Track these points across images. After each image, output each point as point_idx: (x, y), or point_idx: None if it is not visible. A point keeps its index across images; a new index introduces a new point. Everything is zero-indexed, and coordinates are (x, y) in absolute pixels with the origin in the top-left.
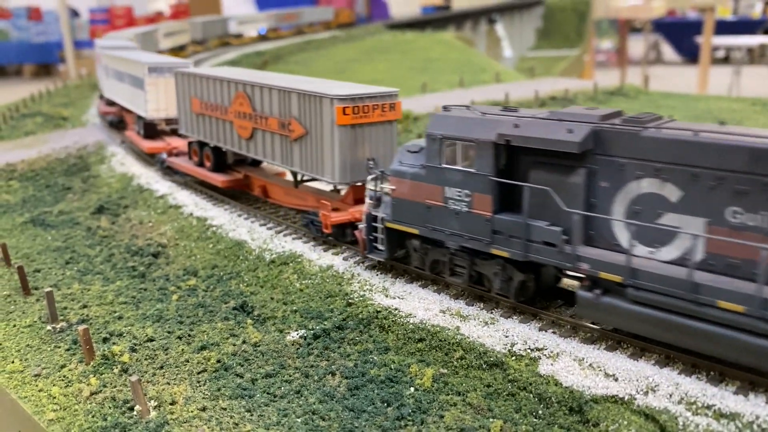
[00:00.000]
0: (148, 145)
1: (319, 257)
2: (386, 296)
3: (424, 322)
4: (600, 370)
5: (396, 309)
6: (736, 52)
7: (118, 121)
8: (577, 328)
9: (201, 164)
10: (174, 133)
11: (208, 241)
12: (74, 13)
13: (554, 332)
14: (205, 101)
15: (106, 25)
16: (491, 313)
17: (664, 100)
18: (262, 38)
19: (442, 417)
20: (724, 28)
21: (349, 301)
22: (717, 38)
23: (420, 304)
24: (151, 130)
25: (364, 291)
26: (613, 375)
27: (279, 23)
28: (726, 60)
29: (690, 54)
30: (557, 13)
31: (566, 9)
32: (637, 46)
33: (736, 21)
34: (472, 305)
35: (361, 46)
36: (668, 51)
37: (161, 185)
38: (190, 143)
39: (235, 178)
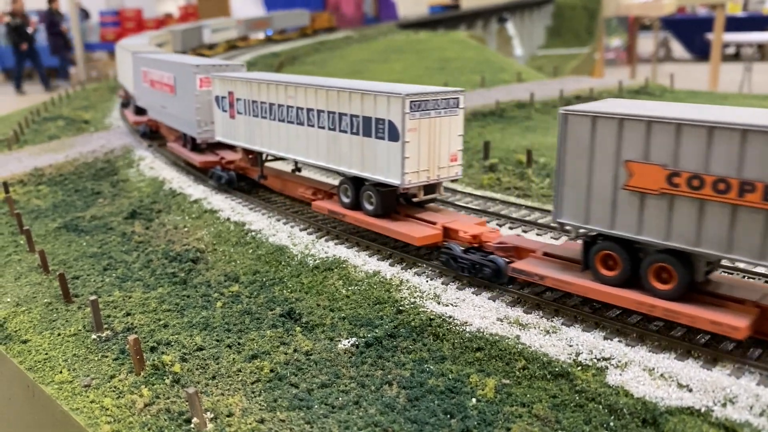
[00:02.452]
0: (418, 233)
1: (365, 263)
2: (438, 303)
3: (481, 330)
4: (672, 380)
5: (450, 317)
6: (746, 48)
7: (239, 177)
8: (645, 336)
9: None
10: (419, 205)
11: (247, 247)
12: (84, 15)
13: (620, 341)
14: (707, 174)
15: (116, 28)
16: (552, 321)
17: (691, 98)
18: (232, 47)
19: (509, 429)
20: (734, 24)
21: (400, 308)
22: (727, 35)
23: (475, 312)
24: (392, 203)
25: (415, 298)
26: (687, 385)
27: (249, 31)
28: (736, 57)
29: (700, 51)
30: (567, 11)
31: (576, 7)
32: (646, 43)
33: (746, 17)
34: (531, 313)
35: (375, 46)
36: (678, 48)
37: (194, 189)
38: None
39: None
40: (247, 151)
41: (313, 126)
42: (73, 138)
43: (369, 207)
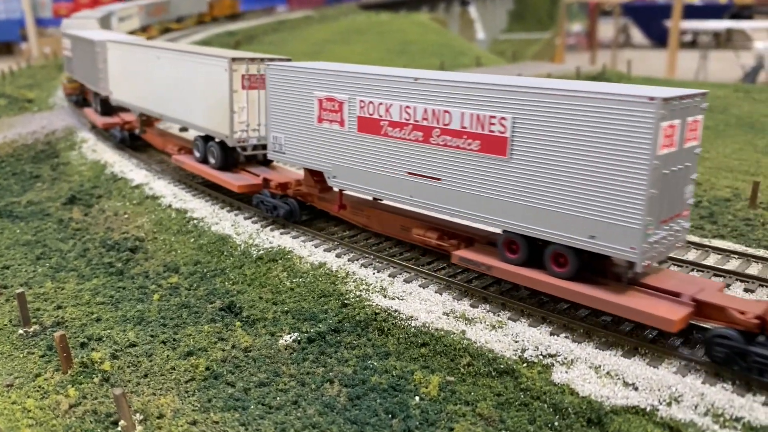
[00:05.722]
0: None
1: (311, 254)
2: (384, 296)
3: (427, 325)
4: (618, 379)
5: (396, 311)
6: (703, 36)
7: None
8: (591, 332)
9: None
10: None
11: (189, 235)
12: None
13: (567, 337)
14: None
15: (69, 3)
16: (498, 315)
17: (647, 85)
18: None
19: (451, 429)
20: (691, 12)
21: (345, 301)
22: (685, 22)
23: (421, 306)
24: None
25: (361, 291)
26: (633, 384)
27: (150, 18)
28: (693, 44)
29: (658, 38)
30: None
31: None
32: (606, 29)
33: (703, 6)
34: (477, 307)
35: (336, 26)
36: (637, 34)
37: (136, 174)
38: None
39: None
40: None
41: None
42: (14, 118)
43: None
